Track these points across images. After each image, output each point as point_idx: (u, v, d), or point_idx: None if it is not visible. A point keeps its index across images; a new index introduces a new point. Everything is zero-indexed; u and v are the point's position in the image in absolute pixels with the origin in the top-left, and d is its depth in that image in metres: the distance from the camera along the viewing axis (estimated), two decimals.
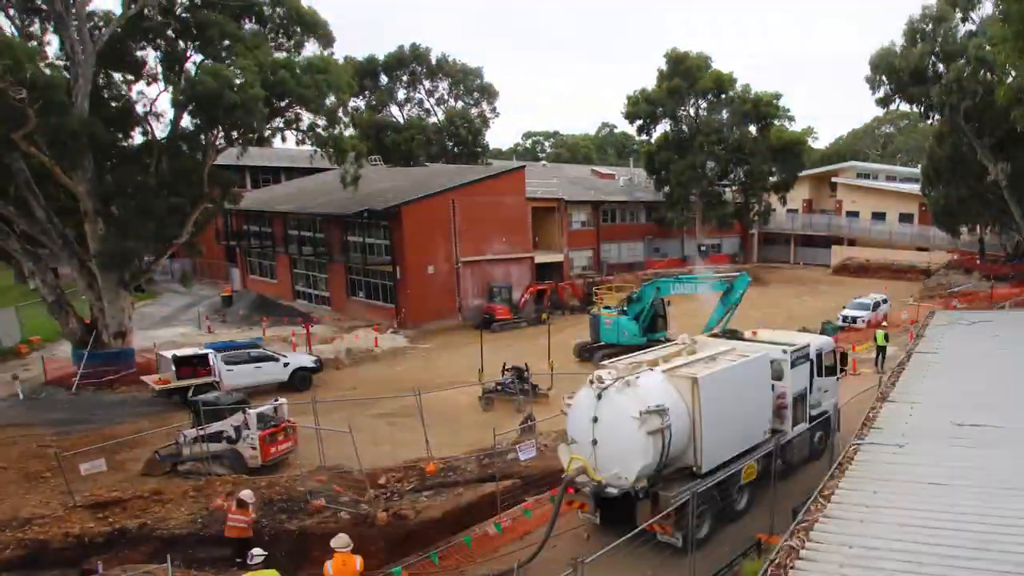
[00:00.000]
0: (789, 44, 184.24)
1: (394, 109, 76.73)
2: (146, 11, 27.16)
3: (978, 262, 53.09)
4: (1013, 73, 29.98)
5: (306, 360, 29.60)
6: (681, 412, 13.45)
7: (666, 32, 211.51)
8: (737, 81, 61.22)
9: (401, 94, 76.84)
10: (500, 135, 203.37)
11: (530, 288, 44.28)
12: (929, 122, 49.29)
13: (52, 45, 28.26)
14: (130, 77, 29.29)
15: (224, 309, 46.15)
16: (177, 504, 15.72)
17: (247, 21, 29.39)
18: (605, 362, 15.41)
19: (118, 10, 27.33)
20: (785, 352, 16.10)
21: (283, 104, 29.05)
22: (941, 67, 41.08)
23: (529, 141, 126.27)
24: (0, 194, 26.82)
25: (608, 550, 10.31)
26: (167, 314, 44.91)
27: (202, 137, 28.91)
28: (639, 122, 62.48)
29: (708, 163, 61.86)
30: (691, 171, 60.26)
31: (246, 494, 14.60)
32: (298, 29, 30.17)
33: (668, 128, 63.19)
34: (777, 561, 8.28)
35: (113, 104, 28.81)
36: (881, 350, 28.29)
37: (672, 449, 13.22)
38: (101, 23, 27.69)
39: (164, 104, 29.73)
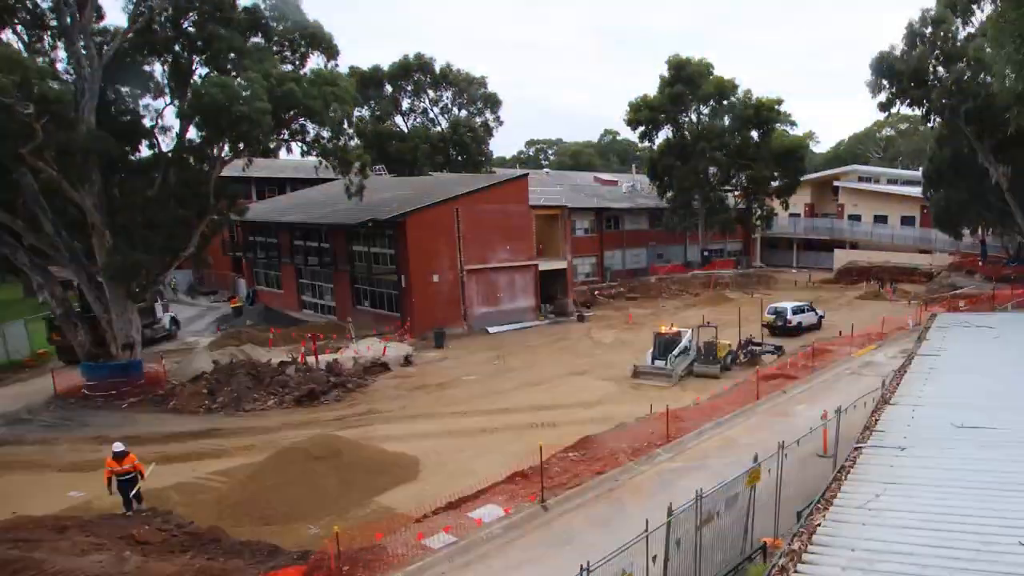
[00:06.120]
0: (791, 46, 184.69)
1: (398, 119, 77.09)
2: (153, 25, 27.49)
3: (980, 264, 53.15)
4: (1011, 75, 30.12)
5: None
6: None
7: (667, 35, 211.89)
8: (739, 87, 61.52)
9: (405, 103, 77.18)
10: (503, 143, 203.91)
11: None
12: (930, 125, 49.44)
13: (60, 60, 28.62)
14: (137, 91, 29.57)
15: (233, 320, 46.45)
16: None
17: (253, 35, 29.67)
18: None
19: (125, 24, 27.68)
20: None
21: (289, 116, 29.28)
22: (941, 70, 41.30)
23: (532, 149, 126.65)
24: (8, 208, 27.10)
25: (613, 554, 10.42)
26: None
27: (209, 149, 29.17)
28: (641, 128, 62.76)
29: (710, 169, 62.08)
30: (693, 177, 60.51)
31: (116, 445, 17.13)
32: (303, 43, 30.47)
33: (670, 134, 63.48)
34: (781, 564, 8.40)
35: (120, 118, 29.08)
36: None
37: None
38: (109, 38, 28.00)
39: (170, 117, 29.95)
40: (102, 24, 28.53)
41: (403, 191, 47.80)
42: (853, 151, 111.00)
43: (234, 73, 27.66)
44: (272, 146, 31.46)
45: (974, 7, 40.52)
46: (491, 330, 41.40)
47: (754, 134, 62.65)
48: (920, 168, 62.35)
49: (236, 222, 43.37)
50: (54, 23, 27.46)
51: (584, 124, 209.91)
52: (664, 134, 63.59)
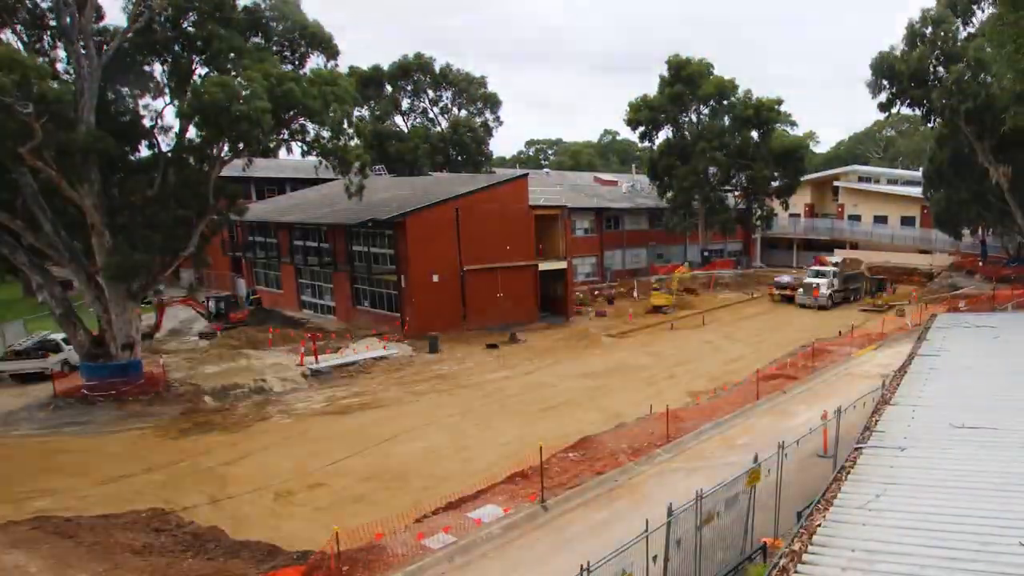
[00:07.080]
0: (791, 47, 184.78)
1: (398, 119, 77.15)
2: (153, 25, 27.47)
3: (980, 264, 53.17)
4: (1010, 77, 30.13)
5: None
6: None
7: (668, 36, 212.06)
8: (739, 87, 61.52)
9: (405, 103, 77.22)
10: (503, 143, 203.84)
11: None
12: (930, 125, 49.50)
13: (60, 60, 28.57)
14: (137, 91, 29.53)
15: None
16: None
17: (253, 35, 29.65)
18: None
19: (125, 24, 27.65)
20: None
21: (289, 116, 29.24)
22: (941, 70, 41.33)
23: (532, 149, 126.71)
24: (7, 208, 27.05)
25: (613, 554, 10.42)
26: (174, 326, 45.04)
27: (208, 149, 29.11)
28: (641, 129, 62.79)
29: (710, 169, 62.07)
30: (693, 177, 60.50)
31: None
32: (303, 43, 30.45)
33: (670, 134, 63.56)
34: (781, 565, 8.40)
35: (120, 118, 29.05)
36: None
37: None
38: (108, 38, 27.96)
39: (170, 117, 29.96)
40: (102, 24, 28.46)
41: (403, 191, 47.81)
42: (853, 151, 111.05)
43: (234, 73, 27.58)
44: (272, 146, 31.43)
45: (974, 7, 40.63)
46: (491, 330, 41.37)
47: (754, 134, 62.64)
48: (920, 168, 62.39)
49: (236, 222, 43.33)
50: (54, 23, 27.42)
51: (584, 124, 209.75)
52: (664, 134, 63.71)
